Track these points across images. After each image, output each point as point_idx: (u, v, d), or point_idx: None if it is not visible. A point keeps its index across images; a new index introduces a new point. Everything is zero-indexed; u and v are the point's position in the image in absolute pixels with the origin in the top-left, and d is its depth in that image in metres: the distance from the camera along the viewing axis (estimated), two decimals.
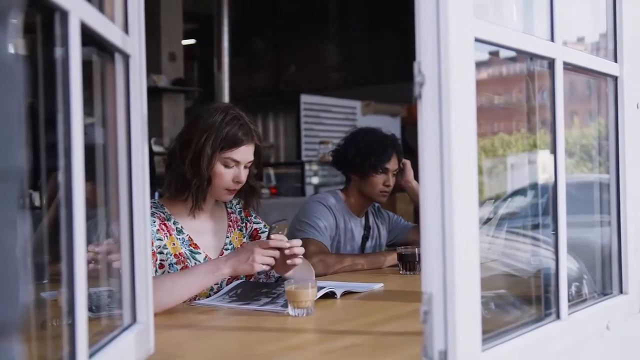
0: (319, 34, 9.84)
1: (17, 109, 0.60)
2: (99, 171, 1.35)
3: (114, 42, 1.27)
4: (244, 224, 2.45)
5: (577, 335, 1.59)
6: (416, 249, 2.70)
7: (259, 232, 2.45)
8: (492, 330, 1.32)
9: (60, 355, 1.04)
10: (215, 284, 2.24)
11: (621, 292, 1.82)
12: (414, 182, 3.13)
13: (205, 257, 2.26)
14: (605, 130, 1.93)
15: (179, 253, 2.21)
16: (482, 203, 1.31)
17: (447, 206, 1.16)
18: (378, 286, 2.38)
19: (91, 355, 1.09)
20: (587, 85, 2.06)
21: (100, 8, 1.23)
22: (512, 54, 1.57)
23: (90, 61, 1.27)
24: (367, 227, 3.16)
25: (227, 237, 2.37)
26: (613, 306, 1.76)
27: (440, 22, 1.17)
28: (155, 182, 3.03)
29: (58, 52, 1.03)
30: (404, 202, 5.96)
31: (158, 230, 2.19)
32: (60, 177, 1.03)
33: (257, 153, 2.28)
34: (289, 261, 2.13)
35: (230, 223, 2.41)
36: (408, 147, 4.69)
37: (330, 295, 2.13)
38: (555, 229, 1.54)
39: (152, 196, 2.41)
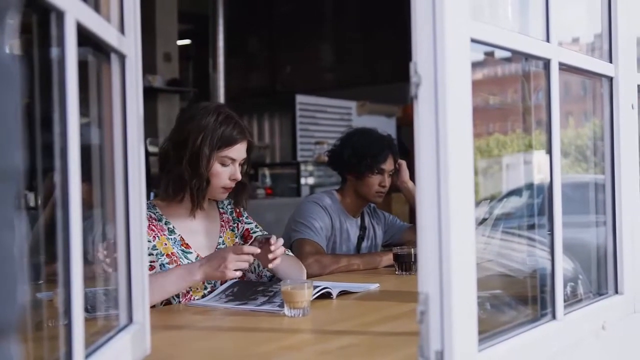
0: (314, 35, 9.84)
1: (14, 109, 0.60)
2: (94, 172, 1.35)
3: (110, 43, 1.27)
4: (235, 224, 2.47)
5: (572, 336, 1.59)
6: (412, 249, 2.70)
7: (251, 232, 2.47)
8: (488, 331, 1.32)
9: (57, 355, 1.04)
10: (209, 283, 2.26)
11: (616, 292, 1.82)
12: (409, 183, 3.13)
13: (197, 256, 2.28)
14: (600, 130, 1.94)
15: (171, 253, 2.22)
16: (477, 203, 1.31)
17: (443, 206, 1.16)
18: (374, 286, 2.38)
19: (87, 355, 1.09)
20: (581, 86, 2.06)
21: (96, 8, 1.23)
22: (507, 54, 1.57)
23: (86, 61, 1.27)
24: (362, 228, 3.16)
25: (220, 237, 2.40)
26: (608, 306, 1.77)
27: (436, 22, 1.17)
28: (151, 182, 3.03)
29: (54, 52, 1.03)
30: (400, 202, 5.96)
31: (147, 231, 2.19)
32: (56, 177, 1.02)
33: (248, 150, 2.33)
34: (270, 260, 2.17)
35: (223, 223, 2.43)
36: (403, 148, 4.70)
37: (326, 295, 2.13)
38: (551, 230, 1.54)
39: (147, 197, 2.41)
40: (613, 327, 1.74)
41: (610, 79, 1.83)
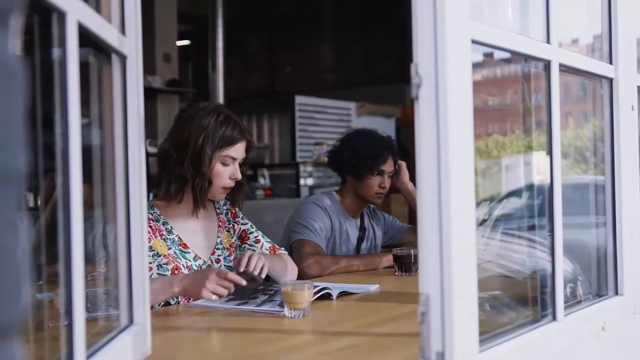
0: (313, 35, 9.84)
1: (18, 110, 0.60)
2: (95, 172, 1.34)
3: (111, 43, 1.27)
4: (231, 225, 2.49)
5: (573, 337, 1.59)
6: (412, 250, 2.70)
7: (248, 232, 2.50)
8: (489, 332, 1.33)
9: (58, 356, 1.03)
10: None
11: (616, 293, 1.82)
12: (409, 184, 3.13)
13: (195, 256, 2.30)
14: (599, 131, 1.94)
15: (168, 253, 2.22)
16: (477, 204, 1.31)
17: (444, 207, 1.16)
18: (374, 287, 2.38)
19: (89, 356, 1.09)
20: (580, 87, 2.06)
21: (97, 9, 1.23)
22: (506, 55, 1.58)
23: (86, 62, 1.27)
24: (362, 229, 3.16)
25: (218, 237, 2.42)
26: (609, 307, 1.77)
27: (437, 23, 1.17)
28: (150, 182, 3.04)
29: (55, 52, 1.03)
30: (399, 203, 5.96)
31: None
32: (57, 178, 1.02)
33: (248, 150, 2.36)
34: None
35: (220, 223, 2.45)
36: (403, 149, 4.70)
37: (326, 296, 2.13)
38: (551, 231, 1.54)
39: (147, 197, 2.42)
40: (613, 328, 1.74)
41: (611, 80, 1.83)
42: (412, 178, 3.13)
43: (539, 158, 1.84)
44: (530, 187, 2.08)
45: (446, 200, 1.16)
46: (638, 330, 1.89)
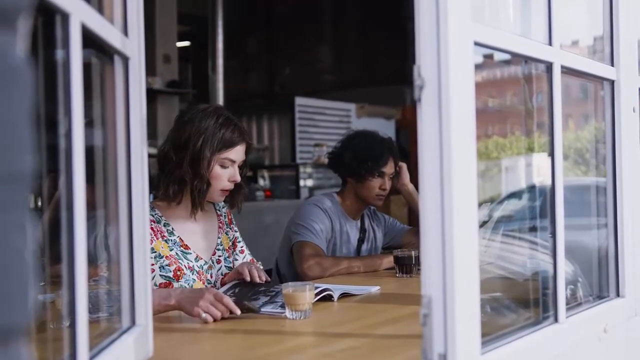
0: (313, 37, 9.84)
1: (26, 112, 0.60)
2: (97, 173, 1.34)
3: (114, 45, 1.27)
4: (228, 229, 2.50)
5: (575, 339, 1.59)
6: (412, 251, 2.70)
7: (237, 241, 2.52)
8: (491, 333, 1.33)
9: (61, 357, 1.03)
10: (209, 284, 2.29)
11: (618, 295, 1.82)
12: (410, 185, 3.13)
13: (196, 256, 2.31)
14: (599, 133, 1.94)
15: (170, 255, 2.23)
16: (478, 206, 1.31)
17: (446, 209, 1.16)
18: (375, 289, 2.38)
19: (91, 357, 1.09)
20: (580, 88, 2.07)
21: (100, 10, 1.23)
22: (506, 56, 1.58)
23: (89, 63, 1.27)
24: (362, 230, 3.16)
25: (219, 238, 2.43)
26: (610, 309, 1.77)
27: (440, 26, 1.17)
28: (150, 184, 3.04)
29: (59, 54, 1.03)
30: (398, 204, 5.96)
31: None
32: (60, 178, 1.02)
33: (247, 152, 2.36)
34: None
35: (220, 225, 2.46)
36: (402, 150, 4.70)
37: (327, 298, 2.13)
38: (553, 233, 1.54)
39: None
40: (615, 330, 1.74)
41: (612, 82, 1.83)
42: (412, 179, 3.14)
43: (539, 159, 1.85)
44: (530, 188, 2.08)
45: (449, 202, 1.16)
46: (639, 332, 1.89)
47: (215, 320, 1.87)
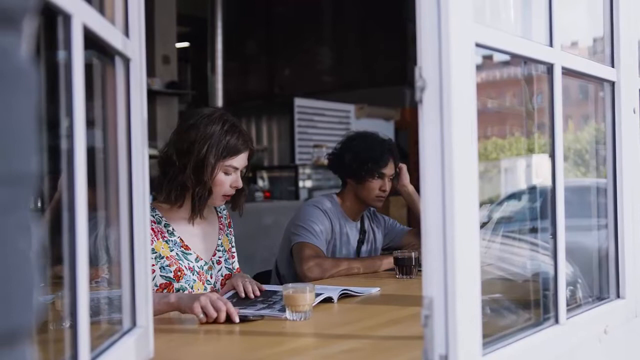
0: (312, 38, 9.84)
1: (30, 114, 0.60)
2: (98, 175, 1.34)
3: (115, 46, 1.27)
4: (229, 231, 2.51)
5: (575, 340, 1.59)
6: (412, 252, 2.70)
7: (231, 246, 2.51)
8: (492, 335, 1.33)
9: (62, 358, 1.03)
10: (209, 284, 2.30)
11: (618, 296, 1.82)
12: (409, 186, 3.13)
13: (197, 257, 2.31)
14: (598, 134, 1.94)
15: (170, 255, 2.23)
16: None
17: (448, 210, 1.16)
18: (375, 290, 2.38)
19: (92, 359, 1.09)
20: (580, 89, 2.07)
21: (101, 11, 1.23)
22: (504, 58, 1.58)
23: (90, 64, 1.27)
24: (362, 231, 3.16)
25: (219, 239, 2.43)
26: (611, 311, 1.77)
27: (441, 27, 1.17)
28: (150, 185, 3.04)
29: (60, 55, 1.03)
30: (397, 205, 5.97)
31: None
32: (62, 179, 1.02)
33: (249, 158, 2.36)
34: None
35: (221, 226, 2.47)
36: (401, 151, 4.70)
37: (327, 299, 2.13)
38: (554, 234, 1.54)
39: None
40: (615, 331, 1.74)
41: (612, 84, 1.83)
42: (411, 180, 3.14)
43: (539, 160, 1.85)
44: (530, 189, 2.08)
45: (450, 204, 1.16)
46: None
47: (209, 321, 1.85)
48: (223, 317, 1.86)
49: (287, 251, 2.97)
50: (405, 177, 3.13)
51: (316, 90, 9.05)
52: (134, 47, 1.38)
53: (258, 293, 2.15)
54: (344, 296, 2.21)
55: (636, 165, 1.87)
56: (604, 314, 1.74)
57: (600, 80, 1.84)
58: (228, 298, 2.15)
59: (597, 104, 1.93)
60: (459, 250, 1.16)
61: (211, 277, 2.33)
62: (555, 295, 1.53)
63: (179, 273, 2.21)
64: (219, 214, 2.48)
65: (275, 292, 2.17)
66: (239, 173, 2.31)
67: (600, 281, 1.87)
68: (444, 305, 1.17)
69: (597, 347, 1.69)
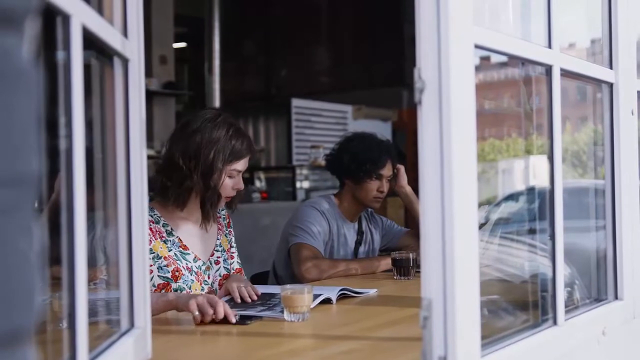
0: (310, 38, 9.84)
1: (32, 115, 0.60)
2: (96, 175, 1.34)
3: (114, 46, 1.27)
4: (228, 231, 2.51)
5: (573, 341, 1.59)
6: (410, 254, 2.70)
7: (230, 246, 2.52)
8: (490, 336, 1.33)
9: (60, 359, 1.03)
10: (207, 285, 2.30)
11: (616, 298, 1.82)
12: (407, 187, 3.13)
13: (195, 257, 2.31)
14: (596, 135, 1.95)
15: (168, 255, 2.22)
16: None
17: (447, 212, 1.16)
18: (372, 291, 2.37)
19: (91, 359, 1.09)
20: (577, 91, 2.07)
21: (99, 11, 1.23)
22: (502, 59, 1.58)
23: (88, 65, 1.27)
24: (360, 232, 3.16)
25: (218, 239, 2.44)
26: (609, 312, 1.77)
27: (440, 28, 1.17)
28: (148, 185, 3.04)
29: (59, 55, 1.03)
30: (395, 206, 5.96)
31: None
32: (61, 180, 1.02)
33: (250, 159, 2.38)
34: None
35: (220, 227, 2.47)
36: (399, 152, 4.70)
37: (326, 300, 2.13)
38: (552, 235, 1.54)
39: None
40: (613, 332, 1.74)
41: (611, 85, 1.84)
42: (409, 181, 3.14)
43: (536, 162, 1.85)
44: (527, 190, 2.09)
45: (449, 205, 1.16)
46: (638, 334, 1.89)
47: (204, 320, 1.83)
48: (220, 312, 1.83)
49: (285, 252, 2.97)
50: (403, 178, 3.13)
51: (313, 91, 9.05)
52: (132, 47, 1.38)
53: (255, 297, 2.13)
54: (342, 297, 2.21)
55: (634, 166, 1.88)
56: (602, 316, 1.74)
57: (598, 82, 1.84)
58: (228, 301, 2.14)
59: (595, 105, 1.93)
60: (458, 252, 1.16)
61: (209, 277, 2.33)
62: (553, 297, 1.53)
63: (176, 273, 2.21)
64: (218, 214, 2.47)
65: (274, 295, 2.16)
66: (240, 176, 2.33)
67: (598, 282, 1.88)
68: (442, 306, 1.16)
69: (596, 348, 1.69)
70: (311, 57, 9.80)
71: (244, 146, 2.30)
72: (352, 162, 3.00)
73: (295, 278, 2.81)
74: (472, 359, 1.21)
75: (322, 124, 8.02)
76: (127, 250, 1.37)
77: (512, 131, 2.09)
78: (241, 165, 2.31)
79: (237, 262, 2.52)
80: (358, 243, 3.14)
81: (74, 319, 1.01)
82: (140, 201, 1.39)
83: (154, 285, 2.18)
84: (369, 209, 3.21)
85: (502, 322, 1.58)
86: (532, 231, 1.86)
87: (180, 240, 2.29)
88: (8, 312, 0.56)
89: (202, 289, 2.26)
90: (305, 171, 7.43)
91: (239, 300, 2.10)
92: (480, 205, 1.81)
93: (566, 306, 1.58)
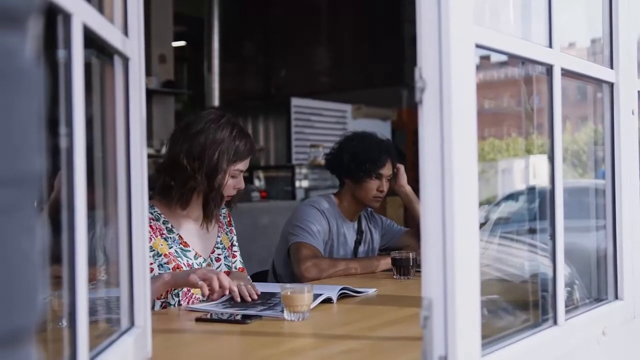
0: (309, 38, 9.84)
1: (36, 114, 0.60)
2: (97, 174, 1.34)
3: (115, 45, 1.27)
4: (229, 229, 2.52)
5: (574, 341, 1.59)
6: (410, 253, 2.70)
7: (232, 244, 2.52)
8: (491, 336, 1.33)
9: (60, 358, 1.03)
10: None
11: (617, 297, 1.82)
12: (407, 187, 3.13)
13: (195, 254, 2.32)
14: (595, 135, 1.94)
15: (169, 252, 2.23)
16: None
17: (447, 211, 1.16)
18: (372, 291, 2.37)
19: (91, 359, 1.08)
20: (578, 90, 2.07)
21: (100, 9, 1.23)
22: (502, 58, 1.58)
23: (89, 63, 1.26)
24: (359, 232, 3.15)
25: (218, 237, 2.44)
26: (609, 312, 1.77)
27: (441, 28, 1.17)
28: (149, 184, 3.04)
29: (60, 54, 1.02)
30: (394, 206, 5.97)
31: None
32: (62, 178, 1.02)
33: (251, 159, 2.39)
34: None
35: (220, 224, 2.48)
36: (398, 151, 4.70)
37: (326, 299, 2.12)
38: (552, 235, 1.54)
39: None
40: (613, 332, 1.74)
41: (611, 85, 1.84)
42: (408, 181, 3.14)
43: (536, 161, 1.85)
44: (527, 190, 2.08)
45: (450, 205, 1.16)
46: (638, 334, 1.89)
47: (211, 290, 1.86)
48: (223, 279, 1.89)
49: (285, 251, 2.97)
50: (403, 178, 3.13)
51: (313, 90, 9.05)
52: (133, 46, 1.38)
53: (255, 297, 2.12)
54: (343, 297, 2.21)
55: (635, 166, 1.88)
56: (602, 315, 1.74)
57: (599, 82, 1.84)
58: (224, 301, 2.13)
59: (595, 105, 1.93)
60: (459, 252, 1.16)
61: None
62: (553, 297, 1.53)
63: (177, 271, 2.21)
64: (218, 212, 2.47)
65: (274, 294, 2.16)
66: (242, 175, 2.35)
67: (598, 282, 1.88)
68: (443, 306, 1.16)
69: (596, 348, 1.69)
70: (311, 57, 9.79)
71: (247, 146, 2.32)
72: (351, 161, 2.99)
73: (295, 277, 2.81)
74: (472, 359, 1.20)
75: (321, 123, 8.02)
76: (127, 249, 1.37)
77: (512, 131, 2.09)
78: (244, 165, 2.33)
79: (240, 261, 2.53)
80: (358, 242, 3.14)
81: (74, 318, 1.01)
82: (140, 200, 1.39)
83: None
84: (369, 209, 3.20)
85: (503, 322, 1.58)
86: (532, 231, 1.86)
87: (180, 237, 2.30)
88: (10, 311, 0.56)
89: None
90: (304, 170, 7.43)
91: (239, 300, 2.09)
92: (480, 204, 1.81)
93: (566, 306, 1.58)
